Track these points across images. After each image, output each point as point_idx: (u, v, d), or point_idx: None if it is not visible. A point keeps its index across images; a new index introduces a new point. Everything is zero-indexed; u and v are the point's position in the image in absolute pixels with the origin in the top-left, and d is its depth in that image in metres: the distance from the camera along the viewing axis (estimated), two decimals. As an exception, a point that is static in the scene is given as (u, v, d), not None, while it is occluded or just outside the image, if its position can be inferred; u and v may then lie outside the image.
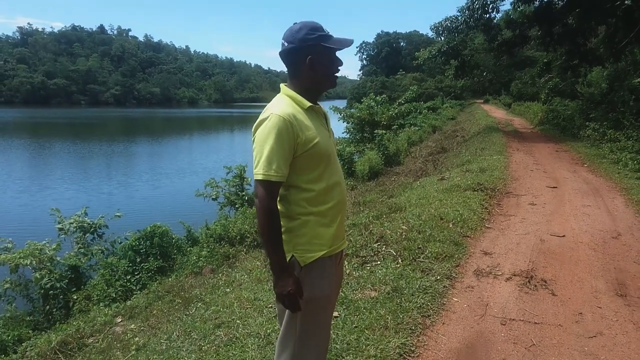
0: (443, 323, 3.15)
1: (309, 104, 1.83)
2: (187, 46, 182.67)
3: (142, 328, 4.92)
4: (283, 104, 1.79)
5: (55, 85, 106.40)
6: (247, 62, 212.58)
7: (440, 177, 8.70)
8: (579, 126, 15.68)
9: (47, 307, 8.01)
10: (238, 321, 3.40)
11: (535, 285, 3.79)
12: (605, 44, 17.49)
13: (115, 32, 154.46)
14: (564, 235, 5.19)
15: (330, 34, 1.84)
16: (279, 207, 1.81)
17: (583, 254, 4.61)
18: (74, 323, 6.31)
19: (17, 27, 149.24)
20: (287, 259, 1.79)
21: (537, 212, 6.21)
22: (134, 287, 7.87)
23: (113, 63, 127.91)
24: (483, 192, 6.93)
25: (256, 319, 3.37)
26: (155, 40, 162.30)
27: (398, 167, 14.17)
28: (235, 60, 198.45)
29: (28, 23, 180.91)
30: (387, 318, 3.08)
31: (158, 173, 22.67)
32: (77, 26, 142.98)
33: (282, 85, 1.92)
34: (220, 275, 5.78)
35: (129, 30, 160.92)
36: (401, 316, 3.11)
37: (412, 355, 2.73)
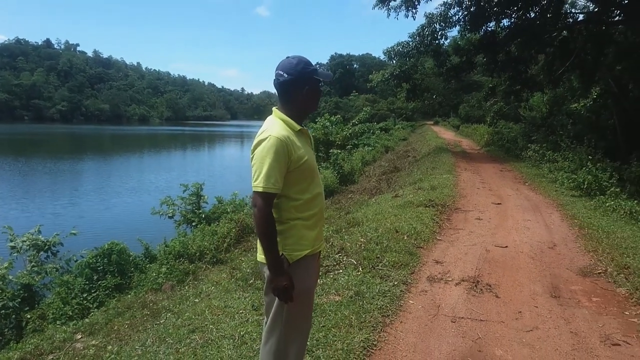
0: (401, 322, 3.50)
1: (299, 127, 2.17)
2: (138, 63, 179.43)
3: (106, 343, 4.98)
4: (278, 127, 2.11)
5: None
6: (201, 80, 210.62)
7: (395, 194, 9.17)
8: (522, 147, 16.72)
9: (-2, 327, 7.78)
10: (211, 326, 3.62)
11: (481, 289, 4.22)
12: (545, 71, 18.83)
13: (63, 46, 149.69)
14: (506, 246, 5.70)
15: (318, 68, 2.21)
16: None
17: (523, 262, 5.11)
18: (31, 341, 6.22)
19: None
20: None
21: (483, 225, 6.74)
22: (91, 305, 7.74)
23: (60, 78, 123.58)
24: (434, 208, 7.42)
25: (229, 324, 3.61)
26: (105, 55, 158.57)
27: (353, 186, 14.59)
28: (188, 78, 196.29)
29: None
30: (351, 318, 3.40)
31: (108, 192, 22.10)
32: (22, 39, 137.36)
33: (274, 109, 2.24)
34: (187, 288, 5.91)
35: (77, 45, 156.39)
36: (364, 316, 3.45)
37: (375, 348, 3.07)
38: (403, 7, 17.94)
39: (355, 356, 2.91)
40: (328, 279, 4.28)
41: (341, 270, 4.49)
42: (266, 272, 2.14)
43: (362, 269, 4.45)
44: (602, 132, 14.37)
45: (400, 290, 4.02)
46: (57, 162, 33.40)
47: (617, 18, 15.80)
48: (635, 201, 8.00)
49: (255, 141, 2.10)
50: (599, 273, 4.77)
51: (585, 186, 9.25)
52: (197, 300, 4.73)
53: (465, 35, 20.51)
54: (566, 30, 17.38)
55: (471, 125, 32.88)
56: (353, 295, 3.80)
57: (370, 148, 24.73)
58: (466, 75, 24.05)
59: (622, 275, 4.63)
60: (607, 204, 7.92)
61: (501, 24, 18.72)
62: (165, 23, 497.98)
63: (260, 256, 2.19)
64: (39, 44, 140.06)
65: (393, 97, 57.10)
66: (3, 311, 7.76)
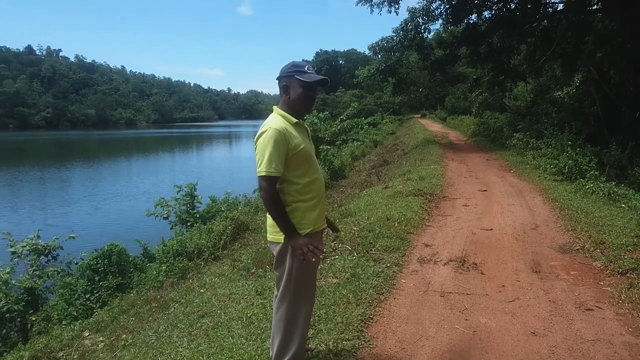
0: (394, 298, 3.82)
1: (295, 120, 2.50)
2: (122, 66, 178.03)
3: (116, 336, 5.22)
4: (277, 120, 2.46)
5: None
6: (186, 82, 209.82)
7: (385, 186, 9.49)
8: (507, 136, 17.11)
9: (4, 330, 7.95)
10: (219, 311, 3.91)
11: (468, 268, 4.55)
12: (527, 61, 19.23)
13: (45, 52, 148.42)
14: (491, 229, 6.04)
15: (307, 71, 2.49)
16: None
17: (507, 242, 5.45)
18: (41, 340, 6.44)
19: None
20: (282, 236, 2.44)
21: (470, 211, 7.09)
22: (94, 305, 7.93)
23: (43, 84, 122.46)
24: (423, 197, 7.76)
25: (235, 308, 3.90)
26: (89, 60, 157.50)
27: (344, 181, 14.87)
28: (173, 80, 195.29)
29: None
30: (349, 296, 3.71)
31: (99, 198, 22.11)
32: (2, 46, 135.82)
33: (274, 107, 2.57)
34: (191, 280, 6.17)
35: (60, 50, 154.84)
36: (360, 294, 3.76)
37: (371, 321, 3.38)
38: (385, 3, 18.26)
39: (354, 328, 3.21)
40: (325, 265, 4.58)
41: (337, 256, 4.80)
42: (275, 249, 2.46)
43: (356, 254, 4.77)
44: (585, 119, 14.77)
45: (393, 271, 4.34)
46: (45, 171, 33.25)
47: (595, 7, 16.24)
48: (613, 183, 8.39)
49: (257, 134, 2.43)
50: (577, 249, 5.13)
51: (566, 171, 9.65)
52: (202, 290, 5.02)
53: (448, 28, 20.87)
54: (546, 20, 17.79)
55: (458, 117, 33.31)
56: (349, 277, 4.11)
57: (359, 143, 25.01)
58: (451, 68, 24.44)
59: (598, 250, 4.98)
60: (587, 187, 8.30)
61: (482, 16, 19.10)
62: (148, 26, 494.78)
63: (270, 236, 2.51)
64: (21, 50, 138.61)
65: (380, 91, 57.44)
66: (8, 315, 7.93)
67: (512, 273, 4.43)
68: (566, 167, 9.69)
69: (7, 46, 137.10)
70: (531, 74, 19.35)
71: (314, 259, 2.34)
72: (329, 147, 18.99)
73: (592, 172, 9.10)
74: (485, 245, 5.35)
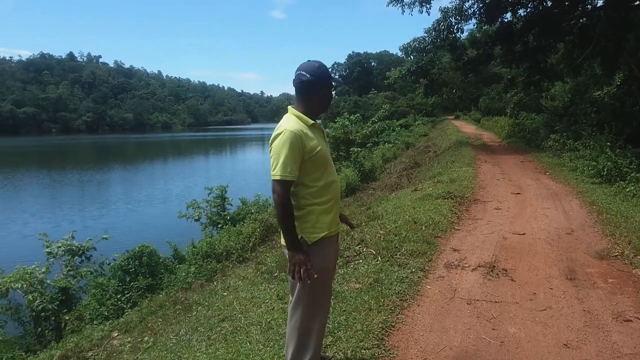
0: (418, 305, 3.68)
1: (311, 121, 2.42)
2: (159, 71, 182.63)
3: (139, 339, 5.26)
4: (292, 122, 2.37)
5: (24, 114, 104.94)
6: (220, 86, 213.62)
7: (414, 188, 9.31)
8: (543, 138, 16.58)
9: (39, 329, 8.15)
10: (240, 315, 3.86)
11: (497, 274, 4.36)
12: (565, 60, 18.60)
13: (85, 58, 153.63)
14: (524, 233, 5.81)
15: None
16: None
17: (540, 247, 5.22)
18: (72, 339, 6.56)
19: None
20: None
21: (502, 215, 6.85)
22: (125, 306, 8.04)
23: (84, 90, 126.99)
24: (453, 199, 7.55)
25: (256, 312, 3.85)
26: (127, 66, 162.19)
27: (374, 183, 14.73)
28: (208, 84, 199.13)
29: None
30: (371, 302, 3.59)
31: (135, 200, 22.64)
32: (46, 54, 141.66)
33: (289, 108, 2.49)
34: (215, 283, 6.18)
35: (100, 56, 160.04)
36: (382, 300, 3.64)
37: (393, 329, 3.26)
38: (417, 3, 18.00)
39: (374, 336, 3.10)
40: (348, 269, 4.48)
41: (361, 260, 4.69)
42: (287, 253, 2.38)
43: (380, 258, 4.64)
44: (626, 119, 14.14)
45: (418, 277, 4.20)
46: (84, 173, 34.30)
47: (637, 2, 15.56)
48: (656, 186, 7.98)
49: (273, 136, 2.35)
50: (616, 256, 4.86)
51: (605, 173, 9.24)
52: (225, 293, 4.99)
53: (482, 27, 20.42)
54: (585, 17, 17.15)
55: (492, 118, 32.56)
56: (372, 282, 3.99)
57: (391, 145, 24.81)
58: (484, 68, 23.92)
59: (639, 257, 4.71)
60: (627, 190, 7.91)
61: (517, 14, 18.59)
62: (184, 32, 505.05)
63: (283, 240, 2.43)
64: (63, 57, 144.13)
65: (412, 93, 56.82)
66: (43, 314, 8.14)
67: (544, 280, 4.22)
68: (605, 169, 9.28)
69: (51, 53, 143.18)
70: (569, 73, 18.70)
71: (308, 281, 2.26)
72: (359, 149, 18.91)
73: (633, 175, 8.67)
74: (517, 250, 5.13)
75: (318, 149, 2.36)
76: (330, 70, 2.66)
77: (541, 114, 21.37)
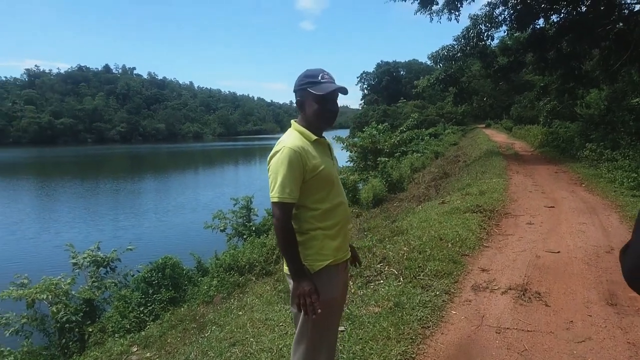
0: (442, 333, 3.40)
1: (314, 137, 2.18)
2: (190, 82, 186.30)
3: (157, 356, 5.13)
4: (293, 138, 2.15)
5: (62, 125, 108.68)
6: (250, 96, 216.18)
7: (441, 201, 8.98)
8: (578, 147, 15.96)
9: (63, 340, 8.16)
10: (252, 339, 3.66)
11: (530, 298, 4.03)
12: (600, 66, 17.92)
13: (120, 70, 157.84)
14: (559, 252, 5.43)
15: (322, 80, 2.16)
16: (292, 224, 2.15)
17: (577, 268, 4.84)
18: (92, 354, 6.50)
19: (25, 69, 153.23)
20: None
21: (534, 230, 6.46)
22: (147, 318, 7.98)
23: (118, 101, 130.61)
24: (482, 213, 7.20)
25: (268, 336, 3.63)
26: (160, 77, 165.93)
27: (402, 194, 14.41)
28: (238, 94, 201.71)
29: (35, 65, 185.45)
30: (390, 330, 3.33)
31: (164, 209, 22.93)
32: (83, 66, 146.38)
33: (292, 122, 2.28)
34: (232, 300, 6.01)
35: (134, 68, 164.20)
36: (402, 328, 3.37)
37: (413, 361, 2.98)
38: (445, 11, 17.67)
39: (392, 369, 2.85)
40: (368, 290, 4.23)
41: (382, 281, 4.43)
42: (291, 282, 2.16)
43: (403, 279, 4.37)
44: (668, 128, 13.49)
45: (442, 300, 3.91)
46: (117, 182, 35.05)
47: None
48: None
49: (271, 153, 2.14)
50: (662, 278, 4.45)
51: (647, 185, 8.72)
52: (240, 312, 4.80)
53: (513, 34, 19.92)
54: (622, 22, 16.50)
55: (524, 127, 31.78)
56: (392, 307, 3.73)
57: (419, 154, 24.45)
58: (516, 76, 23.34)
59: (688, 280, 4.30)
60: (672, 203, 7.41)
61: (550, 20, 18.04)
62: (214, 43, 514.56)
63: (286, 267, 2.21)
64: (99, 69, 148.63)
65: (442, 101, 56.18)
66: (67, 325, 8.15)
67: (582, 306, 3.88)
68: (647, 181, 8.75)
69: (88, 66, 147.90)
70: (605, 80, 17.98)
71: (313, 315, 2.03)
72: (387, 159, 18.61)
73: (678, 187, 8.15)
74: (551, 270, 4.77)
75: (321, 167, 2.12)
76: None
77: (576, 122, 20.64)
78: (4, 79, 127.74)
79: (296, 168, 2.05)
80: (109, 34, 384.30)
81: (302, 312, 2.11)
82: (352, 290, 4.25)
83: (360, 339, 3.25)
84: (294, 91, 2.22)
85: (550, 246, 5.66)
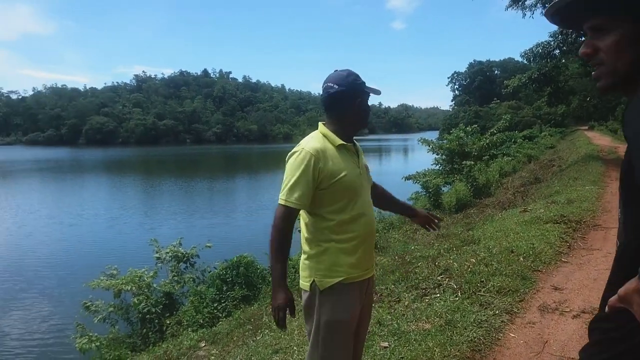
0: (494, 358, 3.08)
1: (340, 142, 2.05)
2: (282, 84, 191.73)
3: (221, 353, 5.23)
4: (315, 141, 2.04)
5: (164, 126, 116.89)
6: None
7: (523, 209, 8.36)
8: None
9: (144, 330, 8.62)
10: (295, 347, 3.59)
11: (606, 324, 3.56)
12: None
13: (217, 74, 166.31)
14: (651, 272, 4.79)
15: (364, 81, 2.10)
16: (305, 233, 2.06)
17: (671, 292, 4.23)
18: (164, 345, 6.81)
19: (134, 75, 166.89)
20: (309, 284, 2.00)
21: (626, 246, 5.77)
22: (220, 314, 8.20)
23: (215, 103, 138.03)
24: (566, 224, 6.56)
25: (311, 346, 3.54)
26: (253, 80, 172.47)
27: (488, 199, 13.68)
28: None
29: (143, 71, 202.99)
30: (435, 350, 3.08)
31: (253, 208, 23.70)
32: (184, 71, 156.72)
33: (320, 124, 2.17)
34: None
35: (230, 72, 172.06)
36: (449, 349, 3.10)
37: (454, 389, 2.73)
38: (539, 5, 16.54)
39: (430, 397, 2.62)
40: (422, 304, 3.98)
41: (439, 295, 4.14)
42: (303, 298, 2.04)
43: (460, 294, 4.06)
44: None
45: (501, 321, 3.56)
46: (213, 181, 36.89)
47: None
48: None
49: (289, 154, 2.04)
50: None
51: None
52: (292, 319, 4.75)
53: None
54: None
55: (633, 129, 28.96)
56: (443, 324, 3.46)
57: (510, 158, 23.13)
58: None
59: None
60: None
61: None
62: (306, 46, 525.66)
63: (303, 283, 2.09)
64: (198, 74, 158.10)
65: (539, 102, 52.94)
66: (148, 316, 8.60)
67: (670, 337, 3.36)
68: None
69: (189, 71, 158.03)
70: None
71: (284, 329, 1.94)
72: (473, 162, 17.78)
73: None
74: (639, 293, 4.21)
75: (342, 174, 1.98)
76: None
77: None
78: (115, 84, 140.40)
79: (310, 172, 1.94)
80: (208, 41, 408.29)
81: (313, 331, 1.99)
82: (406, 303, 4.04)
83: (402, 357, 3.04)
84: (343, 91, 2.06)
85: (641, 265, 5.02)
